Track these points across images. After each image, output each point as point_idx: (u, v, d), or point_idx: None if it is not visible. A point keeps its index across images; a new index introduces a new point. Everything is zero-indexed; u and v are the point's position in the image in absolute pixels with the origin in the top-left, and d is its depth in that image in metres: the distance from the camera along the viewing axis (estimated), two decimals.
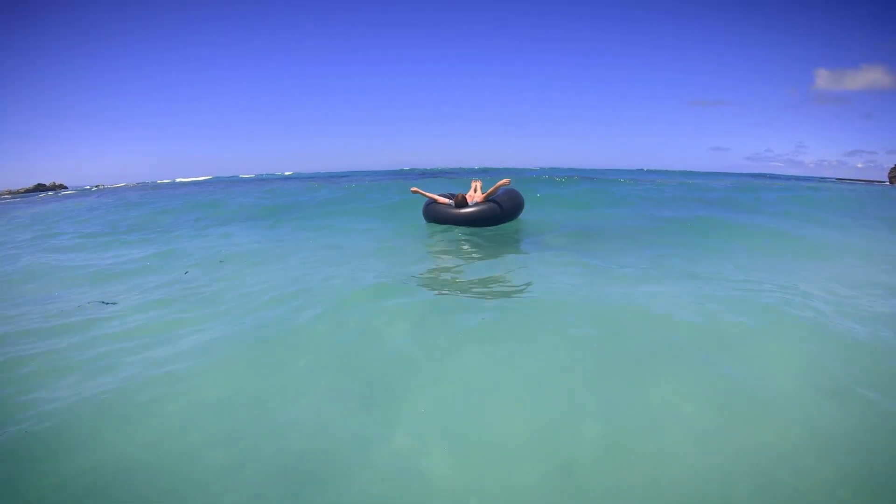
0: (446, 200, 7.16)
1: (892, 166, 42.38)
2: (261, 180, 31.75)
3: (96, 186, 44.66)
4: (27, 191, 37.74)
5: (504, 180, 6.88)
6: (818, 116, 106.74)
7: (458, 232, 6.63)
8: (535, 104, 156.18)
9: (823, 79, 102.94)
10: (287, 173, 55.55)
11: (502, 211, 6.92)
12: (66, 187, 41.10)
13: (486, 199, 6.94)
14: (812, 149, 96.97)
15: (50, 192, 35.38)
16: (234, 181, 32.09)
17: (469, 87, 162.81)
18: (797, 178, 47.15)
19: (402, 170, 50.63)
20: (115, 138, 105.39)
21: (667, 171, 50.96)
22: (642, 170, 50.99)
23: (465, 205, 6.91)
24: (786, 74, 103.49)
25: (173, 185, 33.00)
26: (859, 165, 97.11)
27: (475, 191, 7.43)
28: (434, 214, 7.11)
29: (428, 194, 7.46)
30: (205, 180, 39.95)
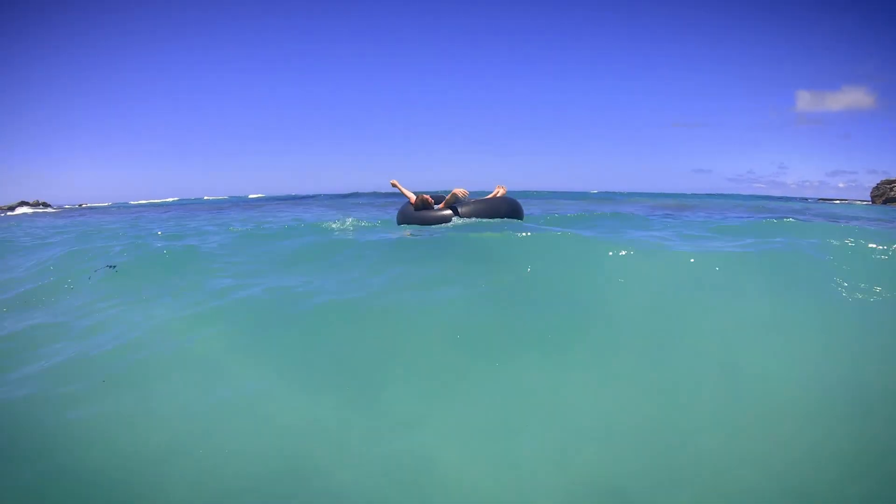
0: (411, 194, 7.13)
1: (875, 185, 40.79)
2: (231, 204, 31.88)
3: (79, 205, 46.68)
4: (10, 207, 39.70)
5: (458, 189, 6.64)
6: (799, 138, 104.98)
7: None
8: (510, 125, 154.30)
9: (804, 100, 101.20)
10: (253, 195, 56.54)
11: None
12: (49, 205, 43.06)
13: (447, 206, 6.78)
14: (793, 170, 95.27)
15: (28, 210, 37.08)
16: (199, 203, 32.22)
17: (437, 104, 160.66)
18: (784, 199, 45.54)
19: (356, 193, 49.29)
20: (101, 155, 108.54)
21: (652, 193, 49.94)
22: (619, 192, 50.17)
23: (427, 207, 6.81)
24: (767, 97, 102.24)
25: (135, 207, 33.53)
26: (840, 185, 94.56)
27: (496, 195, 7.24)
28: (403, 217, 7.09)
29: (405, 191, 7.30)
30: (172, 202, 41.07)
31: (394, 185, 7.29)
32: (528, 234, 4.76)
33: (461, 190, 6.60)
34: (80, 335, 3.38)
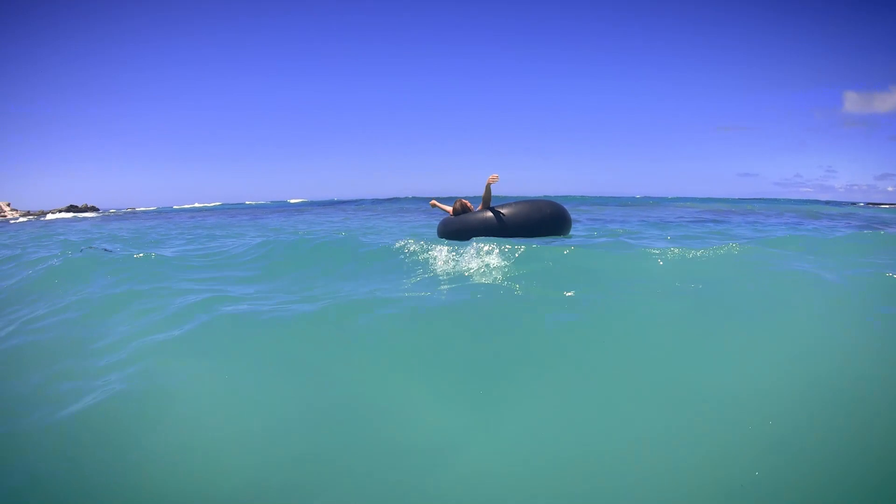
0: (450, 209, 7.05)
1: None
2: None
3: (128, 209, 47.86)
4: (60, 211, 40.92)
5: (490, 178, 6.18)
6: (847, 140, 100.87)
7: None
8: (552, 129, 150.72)
9: (852, 102, 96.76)
10: (293, 200, 56.54)
11: (505, 224, 6.16)
12: (97, 209, 44.24)
13: (487, 208, 6.39)
14: (841, 173, 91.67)
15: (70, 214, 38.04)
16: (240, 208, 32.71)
17: (474, 111, 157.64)
18: (836, 203, 43.06)
19: (395, 198, 48.20)
20: (152, 160, 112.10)
21: (699, 198, 47.72)
22: (664, 198, 48.15)
23: (466, 212, 6.70)
24: (813, 98, 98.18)
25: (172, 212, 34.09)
26: (889, 189, 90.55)
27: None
28: (444, 227, 6.85)
29: (444, 207, 7.29)
30: (214, 206, 41.51)
31: (433, 206, 7.69)
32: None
33: (493, 176, 6.17)
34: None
